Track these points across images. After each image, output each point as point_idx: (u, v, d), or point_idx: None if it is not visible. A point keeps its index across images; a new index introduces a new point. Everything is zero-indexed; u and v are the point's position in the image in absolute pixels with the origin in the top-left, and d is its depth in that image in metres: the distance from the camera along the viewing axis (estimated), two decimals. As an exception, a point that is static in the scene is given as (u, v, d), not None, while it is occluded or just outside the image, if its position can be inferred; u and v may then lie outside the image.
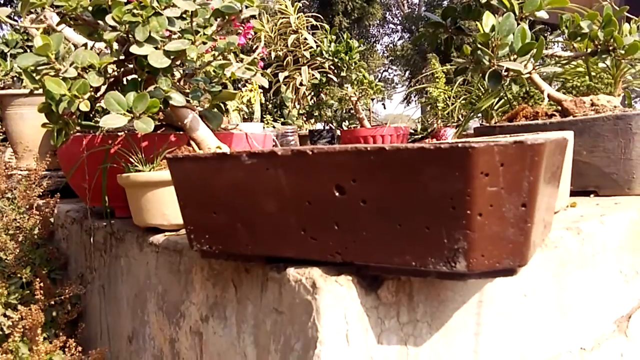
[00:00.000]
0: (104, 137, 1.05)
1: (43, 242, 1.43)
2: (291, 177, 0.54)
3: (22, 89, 1.81)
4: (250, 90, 2.89)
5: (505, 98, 1.52)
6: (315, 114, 2.90)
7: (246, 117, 2.82)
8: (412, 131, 2.73)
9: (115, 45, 0.89)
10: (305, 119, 3.22)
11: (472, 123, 2.28)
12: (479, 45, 1.06)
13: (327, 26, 2.61)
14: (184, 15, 0.86)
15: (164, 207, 0.87)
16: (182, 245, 0.80)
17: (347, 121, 3.16)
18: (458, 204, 0.46)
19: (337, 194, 0.52)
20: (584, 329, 0.74)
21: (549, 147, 0.48)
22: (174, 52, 0.82)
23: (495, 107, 1.69)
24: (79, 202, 1.45)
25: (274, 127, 2.74)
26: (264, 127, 2.46)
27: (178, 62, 0.95)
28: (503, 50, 1.05)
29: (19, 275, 1.26)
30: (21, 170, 1.74)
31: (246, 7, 0.88)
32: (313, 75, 3.00)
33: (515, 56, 1.05)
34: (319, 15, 3.45)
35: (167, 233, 0.90)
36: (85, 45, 0.98)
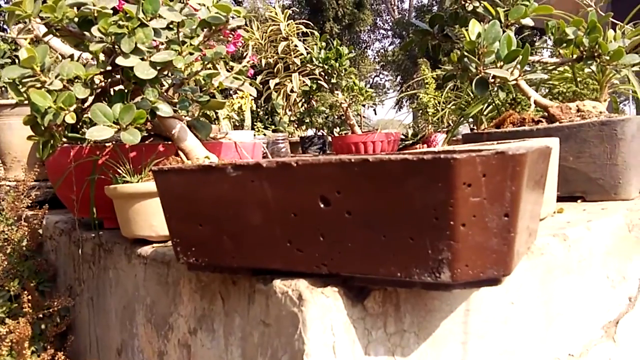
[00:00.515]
0: (91, 148, 1.05)
1: (31, 253, 1.42)
2: (276, 189, 0.54)
3: (10, 100, 1.80)
4: (242, 98, 2.89)
5: (494, 104, 1.53)
6: (306, 121, 2.90)
7: (237, 124, 2.82)
8: (403, 137, 2.74)
9: (102, 57, 0.89)
10: (296, 125, 3.22)
11: (463, 128, 2.30)
12: (466, 53, 1.07)
13: (317, 33, 2.61)
14: (171, 26, 0.87)
15: (151, 219, 0.86)
16: (170, 257, 0.80)
17: (338, 127, 3.17)
18: (441, 215, 0.46)
19: (322, 205, 0.52)
20: (571, 335, 0.74)
21: (531, 157, 0.48)
22: (160, 63, 0.82)
23: (485, 113, 1.70)
24: (68, 213, 1.44)
25: (264, 134, 2.74)
26: (254, 135, 2.46)
27: (165, 73, 0.95)
28: (489, 57, 1.06)
29: (6, 288, 1.24)
30: (9, 181, 1.73)
31: (233, 17, 0.88)
32: (304, 82, 3.00)
33: (502, 63, 1.06)
34: (309, 22, 3.46)
35: (155, 244, 0.89)
36: (71, 56, 0.97)
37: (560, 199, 1.01)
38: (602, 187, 0.99)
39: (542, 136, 1.00)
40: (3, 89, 1.95)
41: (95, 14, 0.84)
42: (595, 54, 1.17)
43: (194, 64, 0.98)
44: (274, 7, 3.38)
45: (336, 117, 3.09)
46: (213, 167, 0.57)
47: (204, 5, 0.90)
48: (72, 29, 0.90)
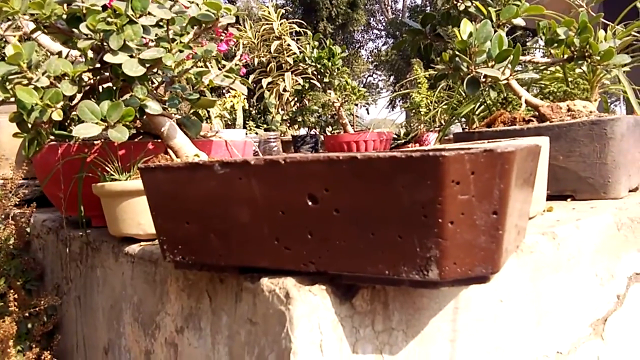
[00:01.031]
0: (80, 146, 1.04)
1: (18, 252, 1.40)
2: (264, 186, 0.53)
3: (-2, 97, 1.77)
4: (234, 97, 2.88)
5: (486, 104, 1.53)
6: (298, 120, 2.89)
7: (229, 123, 2.81)
8: (396, 136, 2.74)
9: (90, 54, 0.88)
10: (288, 124, 3.21)
11: (455, 127, 2.30)
12: (457, 52, 1.07)
13: (309, 32, 2.61)
14: (160, 24, 0.86)
15: (139, 217, 0.85)
16: (158, 256, 0.79)
17: (330, 127, 3.16)
18: (429, 213, 0.46)
19: (310, 203, 0.51)
20: (560, 333, 0.74)
21: (520, 155, 0.48)
22: (149, 60, 0.81)
23: (477, 112, 1.70)
24: (56, 211, 1.43)
25: (256, 133, 2.73)
26: (246, 134, 2.45)
27: (155, 70, 0.94)
28: (481, 57, 1.06)
29: (-7, 286, 1.23)
30: (-3, 179, 1.70)
31: (223, 15, 0.87)
32: (296, 81, 3.00)
33: (493, 63, 1.06)
34: (302, 22, 3.46)
35: (142, 243, 0.88)
36: (60, 53, 0.96)
37: (550, 197, 1.01)
38: (592, 186, 0.99)
39: (532, 135, 1.00)
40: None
41: (84, 11, 0.83)
42: (586, 54, 1.17)
43: (185, 62, 0.97)
44: (267, 7, 3.37)
45: (329, 116, 3.09)
46: (200, 165, 0.57)
47: (194, 2, 0.89)
48: (60, 25, 0.89)
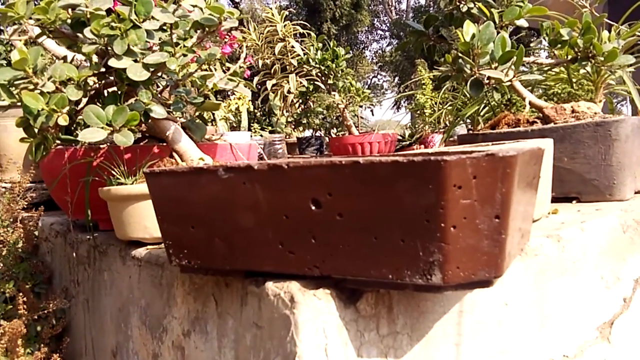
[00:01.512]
0: (86, 150, 1.05)
1: (27, 255, 1.41)
2: (268, 191, 0.54)
3: (4, 101, 1.79)
4: (239, 99, 2.89)
5: (490, 105, 1.53)
6: (303, 122, 2.90)
7: (234, 126, 2.82)
8: (400, 137, 2.74)
9: (95, 58, 0.89)
10: (293, 126, 3.22)
11: (460, 129, 2.30)
12: (460, 54, 1.07)
13: (313, 34, 2.61)
14: (164, 28, 0.86)
15: (145, 220, 0.86)
16: (164, 259, 0.79)
17: (335, 128, 3.17)
18: (432, 217, 0.46)
19: (313, 207, 0.51)
20: (566, 337, 0.74)
21: (522, 159, 0.48)
22: (153, 64, 0.81)
23: (482, 114, 1.70)
24: (64, 214, 1.44)
25: (261, 135, 2.74)
26: (251, 136, 2.46)
27: (159, 74, 0.94)
28: (484, 58, 1.06)
29: (1, 290, 1.24)
30: (5, 183, 1.72)
31: (226, 19, 0.88)
32: (301, 82, 3.00)
33: (496, 64, 1.06)
34: (306, 23, 3.47)
35: (149, 246, 0.89)
36: (65, 57, 0.97)
37: (555, 199, 1.01)
38: (597, 187, 0.99)
39: (536, 137, 1.00)
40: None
41: (88, 16, 0.84)
42: (590, 55, 1.17)
43: (190, 66, 0.97)
44: (271, 8, 3.38)
45: (333, 118, 3.10)
46: (204, 169, 0.57)
47: (197, 6, 0.90)
48: (65, 30, 0.89)
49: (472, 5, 1.21)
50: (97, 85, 0.95)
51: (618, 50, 1.14)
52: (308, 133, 3.25)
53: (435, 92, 2.61)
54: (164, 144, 1.02)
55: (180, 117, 1.08)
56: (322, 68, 2.44)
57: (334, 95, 2.44)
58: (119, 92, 0.88)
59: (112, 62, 0.80)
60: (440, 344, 0.60)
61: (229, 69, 1.09)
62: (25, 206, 1.47)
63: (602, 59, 1.15)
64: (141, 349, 0.88)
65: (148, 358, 0.85)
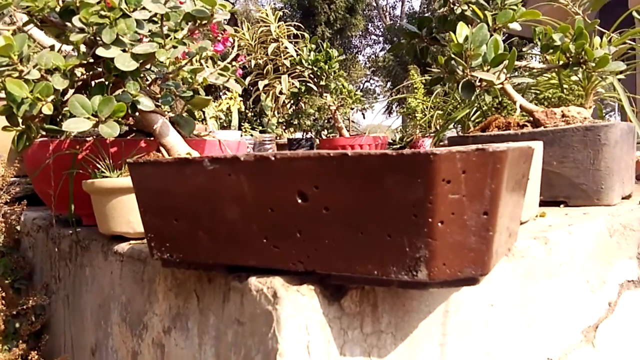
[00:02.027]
0: (71, 142, 1.03)
1: (8, 250, 1.38)
2: (253, 183, 0.52)
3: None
4: (230, 99, 2.88)
5: (480, 109, 1.53)
6: (294, 123, 2.89)
7: (225, 125, 2.80)
8: (391, 141, 2.74)
9: (83, 48, 0.87)
10: (284, 127, 3.21)
11: (451, 133, 2.30)
12: (453, 55, 1.07)
13: (307, 35, 2.61)
14: (155, 19, 0.85)
15: (129, 215, 0.84)
16: (146, 254, 0.78)
17: (326, 130, 3.16)
18: (419, 212, 0.45)
19: (299, 201, 0.50)
20: (551, 339, 0.74)
21: (512, 155, 0.48)
22: (142, 55, 0.80)
23: (472, 118, 1.70)
24: (47, 209, 1.41)
25: (251, 135, 2.72)
26: (241, 135, 2.45)
27: (148, 66, 0.93)
28: (476, 60, 1.05)
29: (-20, 284, 1.21)
30: (-12, 176, 1.69)
31: (218, 11, 0.87)
32: (293, 83, 3.00)
33: (489, 67, 1.06)
34: (300, 25, 3.46)
35: (132, 241, 0.87)
36: (52, 47, 0.95)
37: (543, 203, 1.01)
38: (585, 192, 0.99)
39: (526, 140, 1.00)
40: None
41: (78, 4, 0.82)
42: (581, 61, 1.17)
43: (180, 59, 0.96)
44: (265, 9, 3.37)
45: (325, 119, 3.09)
46: (190, 160, 0.56)
47: (189, -2, 0.88)
48: (53, 19, 0.88)
49: (466, 7, 1.21)
50: (84, 76, 0.93)
51: (609, 57, 1.15)
52: (299, 134, 3.24)
53: (427, 96, 2.62)
54: (152, 138, 1.01)
55: (168, 112, 1.06)
56: (315, 69, 2.43)
57: (326, 96, 2.44)
58: (107, 83, 0.87)
59: (100, 51, 0.79)
60: (424, 344, 0.60)
61: (221, 65, 1.08)
62: (9, 200, 1.44)
63: (594, 64, 1.15)
64: (121, 347, 0.86)
65: (127, 356, 0.84)
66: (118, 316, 0.87)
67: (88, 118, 0.77)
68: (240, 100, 2.97)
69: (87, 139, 1.02)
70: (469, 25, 1.13)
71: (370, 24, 16.20)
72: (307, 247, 0.51)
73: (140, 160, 0.59)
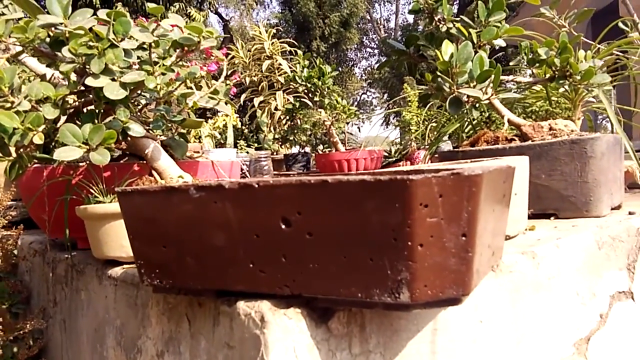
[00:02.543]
0: (65, 168, 1.04)
1: (5, 275, 1.39)
2: (239, 210, 0.53)
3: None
4: (226, 116, 2.90)
5: (471, 123, 1.55)
6: (290, 139, 2.91)
7: (221, 142, 2.82)
8: (387, 154, 2.75)
9: (74, 77, 0.89)
10: (280, 143, 3.23)
11: (446, 145, 2.32)
12: (439, 73, 1.09)
13: (300, 52, 2.64)
14: (144, 47, 0.87)
15: (122, 239, 0.85)
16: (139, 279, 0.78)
17: (322, 145, 3.18)
18: (399, 235, 0.46)
19: (283, 226, 0.51)
20: (542, 354, 0.74)
21: (488, 177, 0.49)
22: (130, 83, 0.82)
23: (466, 131, 1.72)
24: (43, 233, 1.42)
25: (247, 152, 2.74)
26: (237, 153, 2.46)
27: (138, 92, 0.94)
28: (462, 77, 1.07)
29: (-23, 310, 1.22)
30: (-15, 201, 1.70)
31: (205, 37, 0.89)
32: (288, 100, 3.02)
33: (475, 83, 1.08)
34: (294, 41, 3.50)
35: (125, 265, 0.88)
36: (43, 76, 0.97)
37: (533, 215, 1.02)
38: (574, 204, 1.00)
39: (514, 154, 1.01)
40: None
41: (67, 35, 0.84)
42: (567, 74, 1.19)
43: (173, 83, 0.98)
44: (259, 26, 3.41)
45: (322, 134, 3.11)
46: (176, 189, 0.57)
47: (177, 26, 0.90)
48: (44, 49, 0.90)
49: (451, 25, 1.23)
50: (76, 104, 0.95)
51: (594, 69, 1.16)
52: (295, 150, 3.26)
53: (421, 109, 2.64)
54: (144, 161, 1.02)
55: (160, 135, 1.08)
56: (309, 85, 2.46)
57: (320, 112, 2.46)
58: (97, 111, 0.88)
59: (89, 81, 0.80)
60: (414, 362, 0.60)
61: (214, 86, 1.09)
62: (5, 224, 1.45)
63: (579, 77, 1.17)
64: (117, 370, 0.86)
65: (123, 379, 0.84)
66: (113, 340, 0.88)
67: (79, 146, 0.79)
68: (237, 117, 3.00)
69: (80, 164, 1.03)
70: (455, 43, 1.15)
71: (365, 37, 16.34)
72: (292, 271, 0.52)
73: (127, 189, 0.60)
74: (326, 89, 2.47)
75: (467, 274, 0.48)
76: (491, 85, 1.09)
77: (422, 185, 0.45)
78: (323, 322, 0.55)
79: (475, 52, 1.09)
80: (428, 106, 2.40)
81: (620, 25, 1.65)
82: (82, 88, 0.90)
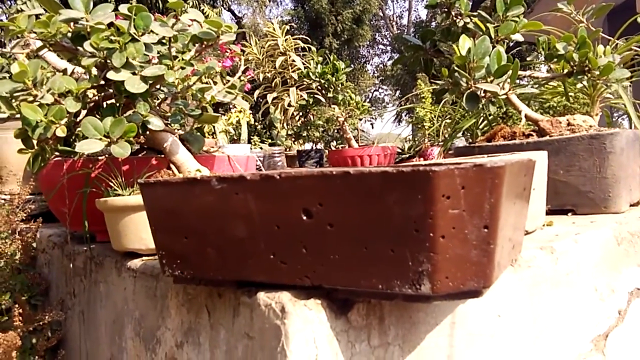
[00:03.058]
0: (84, 161, 1.05)
1: (24, 267, 1.41)
2: (260, 201, 0.54)
3: (3, 114, 1.80)
4: (240, 112, 2.91)
5: (487, 118, 1.54)
6: (303, 135, 2.91)
7: (235, 138, 2.83)
8: (400, 150, 2.75)
9: (95, 71, 0.90)
10: (293, 139, 3.23)
11: (460, 141, 2.31)
12: (456, 68, 1.08)
13: (313, 48, 2.64)
14: (163, 41, 0.88)
15: (141, 232, 0.86)
16: (159, 270, 0.79)
17: (335, 141, 3.18)
18: (421, 227, 0.46)
19: (304, 217, 0.52)
20: (560, 349, 0.74)
21: (510, 169, 0.49)
22: (151, 77, 0.82)
23: (481, 127, 1.71)
24: (62, 226, 1.44)
25: (261, 148, 2.75)
26: (251, 149, 2.47)
27: (158, 87, 0.95)
28: (480, 72, 1.06)
29: (-2, 301, 1.24)
30: (4, 195, 1.73)
31: (223, 32, 0.89)
32: (301, 96, 3.03)
33: (492, 78, 1.07)
34: (307, 38, 3.50)
35: (144, 257, 0.89)
36: (65, 70, 0.98)
37: (551, 212, 1.02)
38: (592, 200, 0.99)
39: (531, 149, 1.00)
40: (1, 103, 1.96)
41: (88, 29, 0.85)
42: (586, 69, 1.18)
43: (190, 78, 0.99)
44: (272, 23, 3.41)
45: (334, 130, 3.11)
46: (198, 180, 0.58)
47: (196, 20, 0.91)
48: (65, 44, 0.91)
49: (468, 20, 1.22)
50: (96, 98, 0.96)
51: (613, 65, 1.15)
52: (308, 146, 3.26)
53: (435, 105, 2.63)
54: (162, 155, 1.03)
55: (178, 129, 1.09)
56: (322, 81, 2.46)
57: (334, 108, 2.46)
58: (117, 104, 0.89)
59: (111, 75, 0.81)
60: (432, 355, 0.60)
61: (229, 82, 1.10)
62: (24, 218, 1.47)
63: (598, 73, 1.16)
64: (135, 361, 0.87)
65: (142, 370, 0.85)
66: (132, 331, 0.89)
67: (100, 139, 0.80)
68: (250, 114, 3.01)
69: (100, 157, 1.04)
70: (472, 38, 1.14)
71: (377, 34, 16.28)
72: (313, 262, 0.53)
73: (150, 181, 0.61)
74: (340, 85, 2.47)
75: (488, 266, 0.48)
76: (508, 80, 1.08)
77: (445, 176, 0.45)
78: (342, 313, 0.55)
79: (493, 47, 1.08)
80: (442, 103, 2.39)
81: (639, 20, 1.63)
82: (102, 82, 0.91)
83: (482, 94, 1.10)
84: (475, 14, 1.20)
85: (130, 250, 0.89)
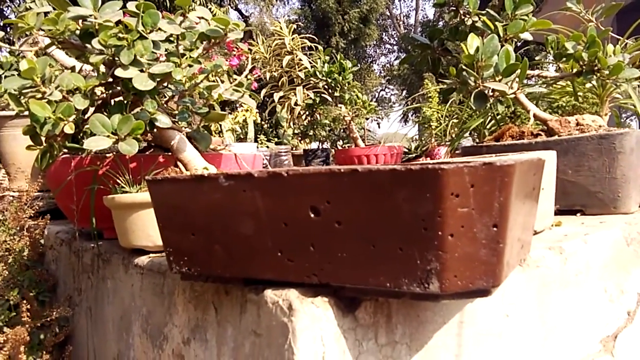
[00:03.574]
0: (92, 158, 1.06)
1: (32, 263, 1.42)
2: (267, 198, 0.54)
3: (12, 111, 1.82)
4: (246, 111, 2.91)
5: (494, 118, 1.53)
6: (309, 134, 2.91)
7: (242, 137, 2.83)
8: (407, 150, 2.74)
9: (103, 68, 0.90)
10: (300, 138, 3.23)
11: (467, 141, 2.30)
12: (464, 66, 1.08)
13: (320, 47, 2.63)
14: (171, 39, 0.88)
15: (148, 229, 0.87)
16: (166, 267, 0.80)
17: (342, 140, 3.18)
18: (429, 225, 0.46)
19: (312, 215, 0.52)
20: (568, 350, 0.73)
21: (520, 168, 0.48)
22: (158, 74, 0.83)
23: (488, 126, 1.70)
24: (70, 223, 1.45)
25: (267, 147, 2.75)
26: (257, 147, 2.48)
27: (165, 84, 0.96)
28: (488, 71, 1.06)
29: (6, 297, 1.25)
30: (13, 192, 1.74)
31: (231, 30, 0.89)
32: (308, 95, 3.02)
33: (500, 77, 1.06)
34: (314, 37, 3.49)
35: (151, 254, 0.89)
36: (73, 68, 0.99)
37: (559, 212, 1.01)
38: (602, 200, 0.98)
39: (540, 149, 1.00)
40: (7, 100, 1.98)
41: (97, 27, 0.86)
42: (595, 69, 1.17)
43: (197, 76, 0.99)
44: (279, 22, 3.41)
45: (340, 130, 3.10)
46: (205, 177, 0.58)
47: (204, 18, 0.91)
48: (74, 41, 0.91)
49: (476, 19, 1.22)
50: (104, 95, 0.97)
51: (623, 64, 1.14)
52: (315, 145, 3.26)
53: (442, 105, 2.62)
54: (169, 153, 1.03)
55: (185, 127, 1.09)
56: (329, 81, 2.45)
57: (341, 107, 2.46)
58: (125, 102, 0.90)
59: (119, 72, 0.82)
60: (440, 354, 0.60)
61: (236, 80, 1.10)
62: (32, 215, 1.48)
63: (607, 72, 1.15)
64: (142, 358, 0.88)
65: (149, 366, 0.85)
66: (139, 327, 0.89)
67: (108, 136, 0.80)
68: (256, 112, 3.01)
69: (107, 155, 1.05)
70: (480, 37, 1.14)
71: (384, 33, 16.26)
72: (320, 260, 0.53)
73: (158, 178, 0.61)
74: (346, 84, 2.46)
75: (497, 265, 0.47)
76: (517, 79, 1.07)
77: (454, 174, 0.45)
78: (350, 311, 0.55)
79: (501, 46, 1.08)
80: (449, 102, 2.38)
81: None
82: (110, 80, 0.91)
83: (490, 93, 1.10)
84: (483, 12, 1.19)
85: (137, 247, 0.89)
